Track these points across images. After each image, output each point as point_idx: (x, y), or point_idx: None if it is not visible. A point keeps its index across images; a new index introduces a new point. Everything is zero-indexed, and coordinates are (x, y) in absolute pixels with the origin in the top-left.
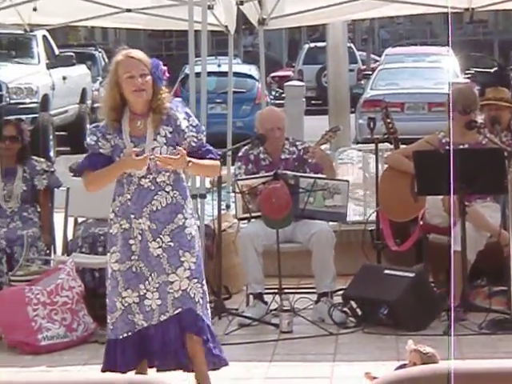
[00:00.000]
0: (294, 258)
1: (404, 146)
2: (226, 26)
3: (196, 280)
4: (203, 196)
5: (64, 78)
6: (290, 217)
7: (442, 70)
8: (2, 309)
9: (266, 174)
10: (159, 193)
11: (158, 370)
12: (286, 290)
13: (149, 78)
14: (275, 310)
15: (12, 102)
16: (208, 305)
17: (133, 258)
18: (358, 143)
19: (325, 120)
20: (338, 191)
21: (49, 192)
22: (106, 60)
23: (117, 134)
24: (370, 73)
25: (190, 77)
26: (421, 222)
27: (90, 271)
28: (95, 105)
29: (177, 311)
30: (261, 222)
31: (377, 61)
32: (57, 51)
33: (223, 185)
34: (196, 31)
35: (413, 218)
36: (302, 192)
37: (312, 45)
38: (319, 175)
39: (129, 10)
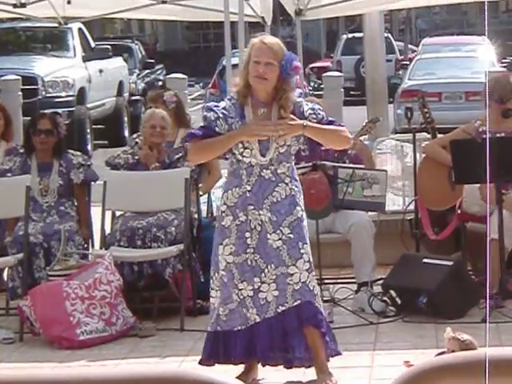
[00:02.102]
0: (334, 248)
1: (441, 136)
2: (263, 17)
3: (313, 272)
4: None
5: (100, 71)
6: (329, 207)
7: (478, 59)
8: (40, 304)
9: (305, 165)
10: (280, 184)
11: (262, 365)
12: (326, 281)
13: (275, 68)
14: None
15: (48, 95)
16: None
17: (248, 250)
18: (396, 133)
19: (363, 110)
20: (377, 181)
21: (85, 186)
22: (143, 52)
23: (239, 119)
24: (408, 63)
25: (226, 68)
26: (458, 211)
27: (128, 265)
28: (132, 97)
29: (296, 303)
30: None
31: (414, 51)
32: (93, 44)
33: None
34: (233, 22)
35: (450, 206)
36: (340, 182)
37: (350, 35)
38: (357, 165)
39: (164, 2)
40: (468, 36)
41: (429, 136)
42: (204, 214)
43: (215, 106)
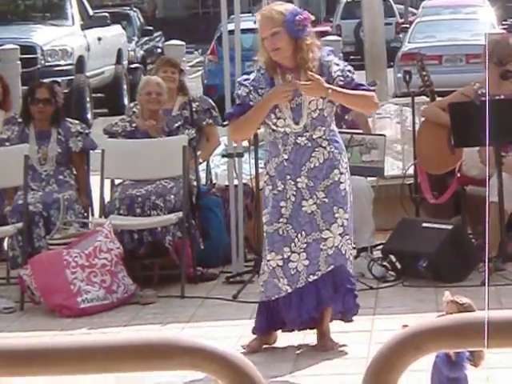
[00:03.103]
0: None
1: (440, 99)
2: None
3: (348, 237)
4: (240, 155)
5: (99, 39)
6: None
7: (478, 21)
8: (41, 272)
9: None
10: (316, 149)
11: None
12: None
13: (281, 35)
14: None
15: (47, 64)
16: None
17: (281, 220)
18: (396, 97)
19: (363, 75)
20: (375, 146)
21: (84, 154)
22: (142, 20)
23: (269, 89)
24: (408, 26)
25: (223, 34)
26: (458, 174)
27: (128, 233)
28: (131, 65)
29: (329, 268)
30: None
31: (414, 14)
32: (91, 12)
33: (260, 143)
34: None
35: (450, 170)
36: None
37: None
38: (355, 131)
39: None
40: None
41: (428, 99)
42: (203, 181)
43: (245, 80)
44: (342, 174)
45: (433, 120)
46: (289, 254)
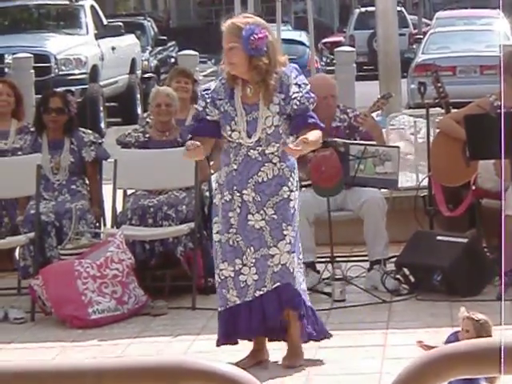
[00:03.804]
0: (346, 226)
1: (455, 110)
2: None
3: (294, 254)
4: None
5: (113, 49)
6: (340, 185)
7: (493, 32)
8: (52, 283)
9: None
10: (266, 164)
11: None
12: (338, 259)
13: (237, 50)
14: (327, 278)
15: (61, 73)
16: (303, 280)
17: (231, 230)
18: (410, 108)
19: (376, 85)
20: (389, 158)
21: (97, 164)
22: (156, 29)
23: (228, 100)
24: (422, 37)
25: None
26: (473, 187)
27: (140, 243)
28: (145, 75)
29: (275, 285)
30: (311, 191)
31: (428, 25)
32: (105, 21)
33: None
34: None
35: (465, 182)
36: (352, 159)
37: (363, 9)
38: (369, 142)
39: None
40: (482, 9)
41: (442, 111)
42: None
43: (205, 90)
44: (291, 191)
45: (448, 132)
46: (240, 266)
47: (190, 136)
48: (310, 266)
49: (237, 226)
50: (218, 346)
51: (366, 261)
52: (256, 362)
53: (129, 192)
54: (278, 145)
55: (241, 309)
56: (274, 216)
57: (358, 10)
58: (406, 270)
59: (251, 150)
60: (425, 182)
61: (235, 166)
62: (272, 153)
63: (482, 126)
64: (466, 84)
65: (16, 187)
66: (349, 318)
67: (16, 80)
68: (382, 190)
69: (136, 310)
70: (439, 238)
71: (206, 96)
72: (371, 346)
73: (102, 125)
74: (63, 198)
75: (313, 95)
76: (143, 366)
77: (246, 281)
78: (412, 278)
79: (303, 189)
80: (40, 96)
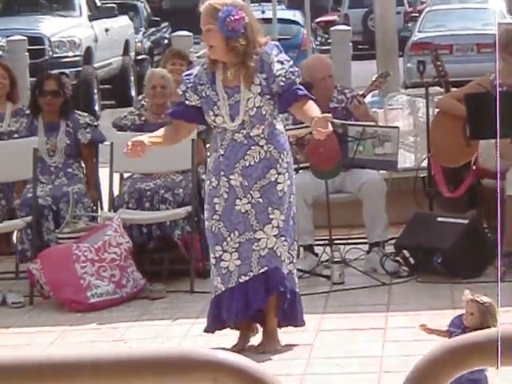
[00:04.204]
0: (344, 208)
1: (455, 89)
2: None
3: (284, 238)
4: None
5: (106, 30)
6: (339, 167)
7: (488, 10)
8: (50, 267)
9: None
10: (252, 147)
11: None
12: (337, 241)
13: (213, 32)
14: (326, 261)
15: (55, 55)
16: (294, 265)
17: (214, 217)
18: (406, 88)
19: (371, 65)
20: (388, 138)
21: (93, 146)
22: (149, 10)
23: (209, 85)
24: (417, 15)
25: None
26: (474, 167)
27: (137, 227)
28: (139, 57)
29: (262, 270)
30: (309, 173)
31: (423, 2)
32: (98, 2)
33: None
34: None
35: (465, 163)
36: (350, 141)
37: None
38: (368, 123)
39: None
40: None
41: (441, 90)
42: None
43: (187, 75)
44: (279, 174)
45: (448, 111)
46: (220, 252)
47: (171, 114)
48: (308, 248)
49: (221, 212)
50: (205, 332)
51: (365, 243)
52: (248, 342)
53: (125, 175)
54: (262, 126)
55: (225, 295)
56: (260, 200)
57: None
58: (405, 252)
59: (236, 134)
60: (424, 163)
61: (222, 152)
62: (257, 135)
63: (482, 105)
64: (463, 62)
65: (13, 171)
66: (348, 301)
67: (10, 63)
68: (381, 171)
69: (134, 293)
70: (439, 219)
71: (187, 81)
72: (371, 329)
73: (97, 107)
74: (60, 181)
75: (297, 69)
76: (150, 357)
77: (227, 267)
78: (412, 260)
79: (301, 171)
80: (34, 78)
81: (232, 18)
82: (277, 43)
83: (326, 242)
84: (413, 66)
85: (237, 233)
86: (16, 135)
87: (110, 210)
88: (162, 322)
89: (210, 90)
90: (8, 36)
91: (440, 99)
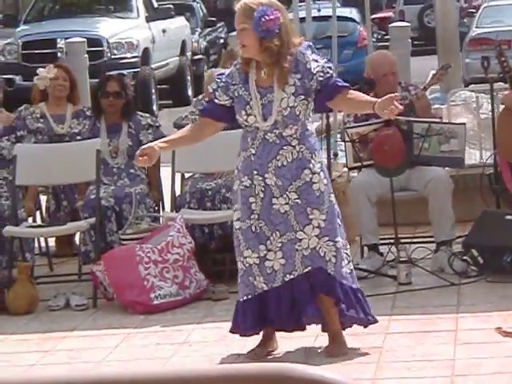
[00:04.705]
0: (408, 206)
1: None
2: None
3: (327, 238)
4: None
5: (163, 31)
6: (404, 164)
7: None
8: (114, 268)
9: (377, 121)
10: (285, 147)
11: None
12: (402, 240)
13: (248, 32)
14: (392, 261)
15: (113, 57)
16: (348, 264)
17: (252, 216)
18: (465, 83)
19: (428, 60)
20: (455, 135)
21: None
22: (204, 10)
23: (242, 85)
24: (473, 10)
25: (294, 22)
26: None
27: (199, 227)
28: (195, 57)
29: (306, 269)
30: (373, 171)
31: None
32: (155, 4)
33: (333, 132)
34: None
35: None
36: (416, 138)
37: None
38: (434, 119)
39: None
40: None
41: (505, 86)
42: None
43: (219, 75)
44: (314, 173)
45: None
46: (265, 252)
47: (202, 110)
48: (372, 248)
49: (259, 211)
50: (242, 335)
51: (431, 242)
52: (267, 351)
53: (186, 175)
54: (295, 127)
55: (270, 295)
56: (298, 201)
57: None
58: (474, 251)
59: (268, 134)
60: (490, 160)
61: (253, 151)
62: (290, 135)
63: None
64: None
65: (76, 172)
66: (416, 302)
67: (70, 64)
68: (446, 168)
69: (197, 294)
70: (508, 217)
71: (219, 80)
72: (443, 332)
73: (154, 107)
74: (122, 182)
75: (331, 64)
76: (250, 373)
77: (272, 266)
78: (481, 260)
79: (364, 169)
80: (92, 80)
81: (267, 17)
82: (310, 43)
83: (392, 241)
84: (471, 61)
85: (278, 233)
86: (78, 137)
87: (172, 211)
88: (225, 324)
89: (243, 90)
90: (66, 38)
91: (505, 95)
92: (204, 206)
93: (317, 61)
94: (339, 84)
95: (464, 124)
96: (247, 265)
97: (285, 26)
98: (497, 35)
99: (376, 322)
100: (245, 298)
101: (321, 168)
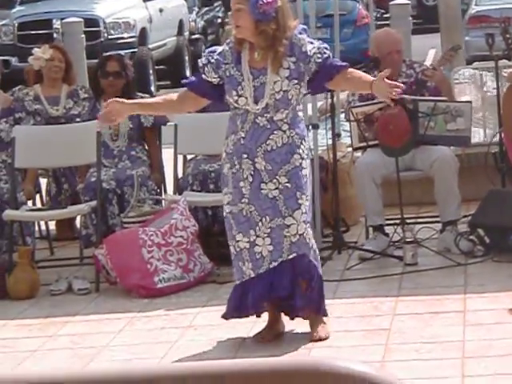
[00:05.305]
0: (413, 185)
1: None
2: None
3: (309, 224)
4: (316, 126)
5: (160, 11)
6: (409, 144)
7: None
8: (117, 252)
9: (382, 100)
10: (275, 132)
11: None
12: (408, 221)
13: (243, 13)
14: (397, 241)
15: (110, 37)
16: (317, 251)
17: (243, 200)
18: (466, 61)
19: (428, 39)
20: (461, 113)
21: (156, 129)
22: None
23: (234, 64)
24: None
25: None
26: None
27: (202, 209)
28: (193, 36)
29: (291, 256)
30: (378, 151)
31: None
32: None
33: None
34: None
35: None
36: (421, 117)
37: None
38: (439, 98)
39: None
40: None
41: (510, 63)
42: None
43: (211, 52)
44: (302, 159)
45: None
46: (254, 237)
47: (187, 84)
48: (378, 229)
49: (249, 195)
50: (226, 319)
51: (437, 222)
52: (274, 334)
53: (189, 157)
54: (286, 111)
55: (253, 281)
56: (288, 184)
57: None
58: (480, 231)
59: (259, 117)
60: (495, 138)
61: (243, 134)
62: (281, 120)
63: None
64: None
65: (76, 155)
66: (423, 283)
67: (66, 45)
68: (452, 147)
69: (202, 277)
70: None
71: (210, 57)
72: (451, 312)
73: (152, 88)
74: (123, 164)
75: (326, 45)
76: (278, 366)
77: (261, 252)
78: (487, 239)
79: (369, 149)
80: (90, 61)
81: (264, 0)
82: (304, 26)
83: (397, 221)
84: (471, 39)
85: (268, 218)
86: (78, 119)
87: (174, 193)
88: None
89: (235, 70)
90: (62, 18)
91: (510, 73)
92: (207, 188)
93: (312, 43)
94: (338, 64)
95: (470, 102)
96: (238, 249)
97: (282, 10)
98: (501, 12)
99: (326, 315)
100: (237, 282)
101: (307, 155)
